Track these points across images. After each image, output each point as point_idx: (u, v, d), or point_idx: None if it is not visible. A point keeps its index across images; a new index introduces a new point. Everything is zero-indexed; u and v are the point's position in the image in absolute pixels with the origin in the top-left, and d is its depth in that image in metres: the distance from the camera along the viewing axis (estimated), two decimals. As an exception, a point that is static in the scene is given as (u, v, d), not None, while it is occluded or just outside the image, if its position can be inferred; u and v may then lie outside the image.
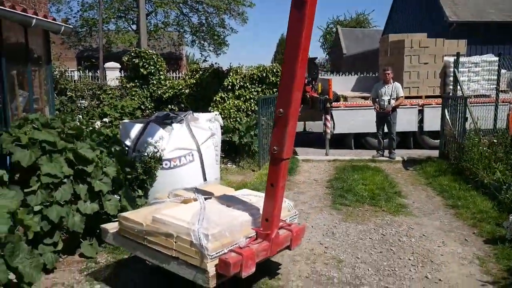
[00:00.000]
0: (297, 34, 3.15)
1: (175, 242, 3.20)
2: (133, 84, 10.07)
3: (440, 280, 3.91)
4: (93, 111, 9.31)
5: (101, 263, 4.19)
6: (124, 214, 3.71)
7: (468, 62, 10.26)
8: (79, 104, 9.74)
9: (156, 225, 3.36)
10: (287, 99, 3.26)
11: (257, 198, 3.97)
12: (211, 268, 3.05)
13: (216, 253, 3.09)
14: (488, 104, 9.12)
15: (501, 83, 9.73)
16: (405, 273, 4.05)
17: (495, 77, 9.73)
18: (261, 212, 3.52)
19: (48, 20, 5.59)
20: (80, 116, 7.72)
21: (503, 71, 9.77)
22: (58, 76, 9.96)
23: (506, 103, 9.56)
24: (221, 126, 7.03)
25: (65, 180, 4.08)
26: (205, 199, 3.89)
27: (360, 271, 4.09)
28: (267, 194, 3.44)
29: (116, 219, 3.80)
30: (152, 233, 3.36)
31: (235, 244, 3.25)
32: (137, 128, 6.16)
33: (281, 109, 3.27)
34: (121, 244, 3.74)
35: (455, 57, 9.32)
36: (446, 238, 4.89)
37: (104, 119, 8.42)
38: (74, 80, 14.82)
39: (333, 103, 10.13)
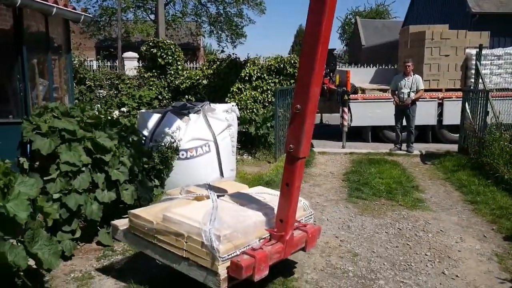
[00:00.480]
0: (316, 26, 2.97)
1: (186, 242, 3.10)
2: (151, 74, 10.12)
3: (457, 276, 3.86)
4: (111, 100, 9.40)
5: (118, 252, 4.25)
6: (135, 211, 3.59)
7: (490, 55, 10.02)
8: (97, 94, 9.84)
9: (167, 223, 3.26)
10: (305, 95, 3.09)
11: (271, 197, 3.84)
12: (222, 271, 2.95)
13: (228, 255, 2.99)
14: (510, 98, 8.90)
15: (524, 77, 9.48)
16: (421, 268, 4.01)
17: (518, 70, 9.48)
18: (275, 212, 3.42)
19: (68, 9, 5.63)
20: (99, 106, 7.80)
21: (527, 64, 9.51)
22: (77, 66, 10.06)
23: (529, 97, 9.31)
24: (237, 117, 7.03)
25: (83, 168, 4.13)
26: (218, 196, 3.79)
27: (376, 265, 4.06)
28: (282, 193, 3.31)
29: (126, 216, 3.72)
30: (162, 232, 3.25)
31: (248, 245, 3.14)
32: (154, 118, 6.20)
33: (298, 105, 3.11)
34: (130, 242, 3.63)
35: (478, 50, 9.09)
36: (464, 234, 4.82)
37: (122, 109, 8.50)
38: (93, 70, 14.98)
39: (350, 95, 10.02)
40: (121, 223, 3.73)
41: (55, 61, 6.33)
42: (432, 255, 4.28)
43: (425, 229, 4.96)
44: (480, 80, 8.75)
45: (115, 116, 6.70)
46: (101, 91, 10.01)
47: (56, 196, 3.89)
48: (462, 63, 10.48)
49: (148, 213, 3.48)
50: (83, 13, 6.06)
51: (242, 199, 3.77)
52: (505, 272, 3.93)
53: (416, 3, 24.83)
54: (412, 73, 9.06)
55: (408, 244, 4.53)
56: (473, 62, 9.54)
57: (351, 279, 3.78)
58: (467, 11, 17.73)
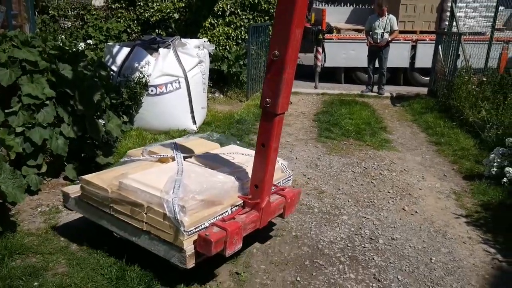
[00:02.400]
0: None
1: (146, 213, 2.72)
2: (119, 6, 9.60)
3: (416, 212, 4.06)
4: (77, 32, 8.95)
5: (86, 186, 4.23)
6: (87, 177, 3.11)
7: (467, -3, 9.93)
8: (62, 24, 9.32)
9: (124, 192, 2.84)
10: (284, 38, 2.58)
11: (245, 158, 3.44)
12: (188, 246, 2.59)
13: (195, 228, 2.64)
14: (482, 42, 8.96)
15: (497, 21, 9.50)
16: (383, 204, 4.19)
17: (492, 14, 9.47)
18: (250, 176, 3.02)
19: None
20: (63, 37, 7.42)
21: (501, 8, 9.49)
22: (39, -7, 9.44)
23: (500, 42, 9.40)
24: (210, 54, 6.85)
25: (47, 102, 3.99)
26: (185, 158, 3.39)
27: (340, 201, 4.21)
28: (257, 155, 2.88)
29: (77, 181, 3.32)
30: (119, 201, 2.85)
31: (219, 215, 2.80)
32: (122, 52, 5.98)
33: (276, 51, 2.61)
34: (84, 212, 3.19)
35: (454, -9, 8.99)
36: (426, 173, 5.02)
37: (88, 41, 8.13)
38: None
39: (325, 35, 9.86)
40: (73, 190, 3.29)
41: (13, -13, 5.91)
42: (394, 192, 4.47)
43: (389, 168, 5.13)
44: (454, 23, 8.73)
45: (80, 48, 6.43)
46: (66, 21, 9.48)
47: (19, 129, 3.78)
48: (438, 5, 10.37)
49: (103, 180, 3.03)
50: None
51: (212, 161, 3.37)
52: (460, 208, 4.16)
53: None
54: (386, 14, 8.93)
55: (373, 182, 4.70)
56: (449, 4, 9.46)
57: (315, 215, 3.92)
58: (448, -49, 17.30)
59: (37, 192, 3.99)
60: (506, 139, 4.74)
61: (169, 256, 2.66)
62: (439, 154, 5.70)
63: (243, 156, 3.51)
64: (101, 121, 4.55)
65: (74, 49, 4.72)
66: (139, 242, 2.81)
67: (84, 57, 4.75)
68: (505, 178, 4.40)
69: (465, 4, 9.91)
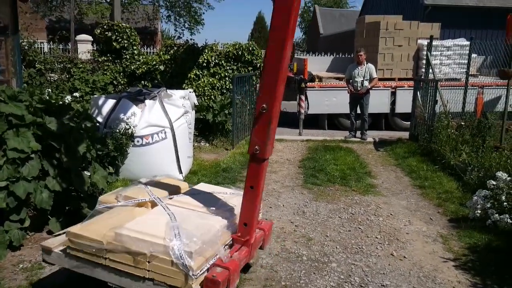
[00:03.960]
0: (286, 17, 2.76)
1: (149, 262, 2.77)
2: (106, 58, 9.80)
3: (404, 257, 4.05)
4: (63, 85, 9.04)
5: (70, 240, 4.15)
6: (74, 230, 3.02)
7: (441, 46, 10.43)
8: (48, 78, 9.43)
9: (122, 243, 2.82)
10: (271, 93, 2.88)
11: (222, 196, 3.63)
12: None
13: (201, 271, 2.79)
14: (458, 87, 9.33)
15: (471, 67, 9.94)
16: (372, 250, 4.17)
17: (466, 61, 9.93)
18: (233, 213, 3.28)
19: (15, -12, 5.35)
20: (49, 90, 7.49)
21: (473, 55, 9.97)
22: (26, 48, 9.58)
23: (475, 87, 9.80)
24: (194, 104, 6.97)
25: (32, 155, 3.98)
26: (161, 200, 3.44)
27: (329, 248, 4.19)
28: (246, 197, 3.13)
29: (58, 234, 3.28)
30: (116, 252, 2.83)
31: (216, 255, 2.95)
32: (108, 103, 6.05)
33: (264, 105, 2.88)
34: (72, 265, 3.04)
35: (429, 40, 9.45)
36: (412, 217, 5.05)
37: (75, 94, 8.21)
38: (44, 52, 14.28)
39: (308, 83, 10.16)
40: (54, 244, 3.15)
41: (1, 42, 6.02)
42: (382, 237, 4.47)
43: (376, 213, 5.16)
44: (430, 70, 9.10)
45: (67, 101, 6.49)
46: (52, 75, 9.60)
47: (3, 184, 3.73)
48: (414, 53, 10.84)
49: (93, 231, 2.96)
50: (31, -8, 5.77)
51: (195, 202, 3.46)
52: (448, 252, 4.17)
53: (372, -7, 25.32)
54: (365, 62, 9.28)
55: (360, 228, 4.70)
56: (425, 52, 9.90)
57: (304, 263, 3.89)
58: (420, 3, 18.29)
59: (19, 247, 3.89)
60: (487, 181, 4.84)
61: None
62: (423, 197, 5.77)
63: (219, 194, 3.67)
64: (87, 173, 4.54)
65: (61, 102, 4.77)
66: None
67: (71, 110, 4.79)
68: (489, 220, 4.46)
69: (439, 52, 10.39)
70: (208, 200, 3.51)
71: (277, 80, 2.87)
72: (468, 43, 10.05)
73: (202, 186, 3.93)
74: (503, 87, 7.58)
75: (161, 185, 3.78)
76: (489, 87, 9.85)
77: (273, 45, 2.84)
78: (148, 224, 3.00)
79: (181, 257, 2.67)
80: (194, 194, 3.64)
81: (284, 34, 2.79)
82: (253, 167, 3.08)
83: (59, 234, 3.36)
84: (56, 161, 4.21)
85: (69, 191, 4.32)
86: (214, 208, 3.37)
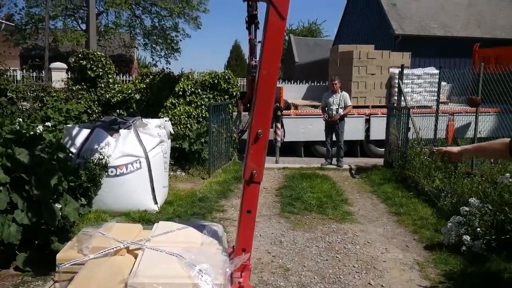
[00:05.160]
0: (277, 46, 2.92)
1: None
2: (80, 87, 9.70)
3: (382, 286, 4.04)
4: (36, 114, 8.87)
5: (39, 278, 3.98)
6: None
7: (411, 74, 10.76)
8: (20, 107, 9.23)
9: None
10: (265, 118, 2.98)
11: (192, 230, 3.35)
12: None
13: None
14: (429, 114, 9.58)
15: (441, 95, 10.25)
16: (349, 280, 4.15)
17: (436, 89, 10.23)
18: (216, 244, 3.13)
19: (-14, 18, 5.29)
20: (21, 120, 7.32)
21: (443, 83, 10.28)
22: (-3, 76, 9.42)
23: (446, 114, 10.08)
24: (170, 132, 6.93)
25: (0, 187, 3.85)
26: (142, 243, 3.09)
27: (307, 279, 4.15)
28: (243, 222, 3.11)
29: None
30: None
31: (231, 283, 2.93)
32: (82, 133, 5.96)
33: (259, 130, 2.96)
34: None
35: (400, 69, 9.73)
36: (388, 245, 5.07)
37: (47, 123, 8.05)
38: (17, 81, 14.05)
39: (284, 111, 10.25)
40: None
41: (-29, 72, 5.90)
42: (359, 266, 4.46)
43: (353, 241, 5.15)
44: (402, 98, 9.34)
45: (38, 131, 6.34)
46: (25, 103, 9.41)
47: (-32, 219, 3.59)
48: (386, 82, 11.14)
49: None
50: (3, 21, 5.72)
51: (177, 239, 3.22)
52: (425, 279, 4.18)
53: (345, 24, 26.14)
54: (339, 90, 9.45)
55: (337, 257, 4.68)
56: (396, 81, 10.18)
57: (282, 294, 3.83)
58: (391, 33, 18.95)
59: (-16, 286, 3.71)
60: (461, 208, 4.92)
61: None
62: (399, 224, 5.81)
63: (192, 229, 3.36)
64: (58, 205, 4.40)
65: (32, 132, 4.66)
66: None
67: (42, 140, 4.68)
68: (464, 247, 4.52)
69: (410, 81, 10.71)
70: (188, 235, 3.29)
71: (271, 104, 3.01)
72: (437, 71, 10.37)
73: (168, 225, 3.53)
74: (473, 114, 7.81)
75: (119, 230, 3.34)
76: (459, 114, 10.14)
77: (268, 70, 2.94)
78: (158, 268, 2.73)
79: None
80: (167, 232, 3.34)
81: (275, 64, 2.93)
82: (249, 192, 3.07)
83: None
84: (25, 193, 4.07)
85: (38, 224, 4.17)
86: (200, 241, 3.19)
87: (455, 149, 2.81)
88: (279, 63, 2.98)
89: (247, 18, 3.51)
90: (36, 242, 4.24)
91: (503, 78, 7.17)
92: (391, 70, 10.99)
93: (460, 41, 18.38)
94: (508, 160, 5.82)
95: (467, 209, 4.84)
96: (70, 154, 5.65)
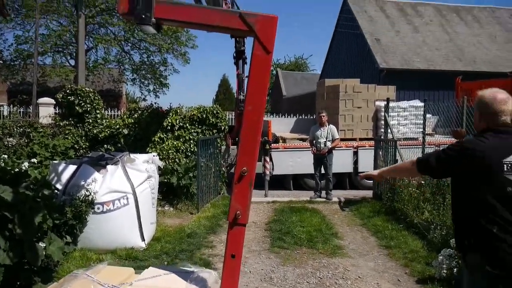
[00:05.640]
0: (263, 79, 2.94)
1: None
2: (67, 123, 9.66)
3: (374, 323, 3.96)
4: (22, 150, 8.77)
5: (20, 320, 3.83)
6: None
7: (397, 107, 10.95)
8: (6, 143, 9.14)
9: None
10: (251, 157, 2.92)
11: (178, 274, 3.27)
12: None
13: None
14: (416, 146, 9.69)
15: (427, 127, 10.41)
16: (341, 317, 4.06)
17: (422, 121, 10.40)
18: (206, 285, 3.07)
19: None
20: (6, 156, 7.24)
21: (428, 115, 10.47)
22: (-17, 112, 9.37)
23: (432, 146, 10.20)
24: (159, 167, 6.88)
25: (-18, 227, 3.75)
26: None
27: (297, 317, 4.05)
28: (227, 268, 3.00)
29: None
30: None
31: None
32: (68, 169, 5.87)
33: (244, 168, 2.87)
34: None
35: (386, 102, 9.90)
36: (380, 279, 5.00)
37: (33, 159, 7.95)
38: (4, 116, 13.96)
39: (272, 145, 10.29)
40: None
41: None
42: (351, 303, 4.37)
43: (344, 276, 5.08)
44: (389, 130, 9.46)
45: (24, 167, 6.25)
46: (11, 139, 9.32)
47: None
48: (373, 115, 11.30)
49: None
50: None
51: (164, 284, 3.16)
52: (418, 316, 4.11)
53: (331, 58, 26.72)
54: (327, 124, 9.55)
55: (329, 293, 4.60)
56: (382, 113, 10.34)
57: (273, 334, 3.72)
58: (376, 67, 19.39)
59: (-39, 331, 3.54)
60: (451, 240, 4.90)
61: None
62: (390, 258, 5.75)
63: (176, 275, 3.25)
64: (42, 244, 4.28)
65: (17, 169, 4.59)
66: None
67: (27, 177, 4.61)
68: (454, 280, 4.47)
69: (396, 113, 10.88)
70: (173, 281, 3.18)
71: (257, 140, 2.96)
72: (422, 104, 10.58)
73: (154, 271, 3.43)
74: (458, 146, 7.90)
75: (108, 273, 3.31)
76: (445, 146, 10.25)
77: (250, 108, 2.93)
78: None
79: None
80: (155, 276, 3.25)
81: (261, 98, 2.94)
82: (233, 234, 2.96)
83: None
84: (8, 232, 3.96)
85: (21, 264, 4.04)
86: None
87: (375, 172, 3.15)
88: (265, 96, 2.98)
89: (235, 54, 3.58)
90: (18, 283, 4.10)
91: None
92: (377, 103, 11.18)
93: (443, 74, 18.85)
94: (418, 177, 6.75)
95: (457, 241, 4.82)
96: (56, 191, 5.56)
